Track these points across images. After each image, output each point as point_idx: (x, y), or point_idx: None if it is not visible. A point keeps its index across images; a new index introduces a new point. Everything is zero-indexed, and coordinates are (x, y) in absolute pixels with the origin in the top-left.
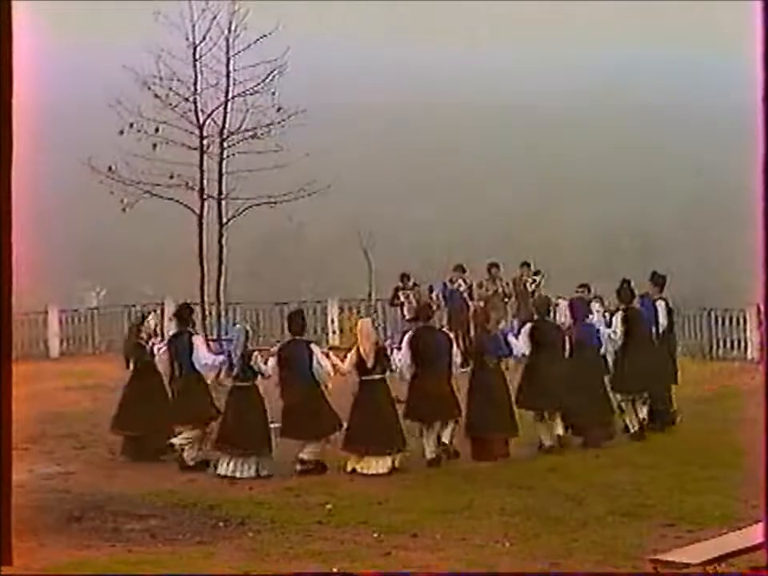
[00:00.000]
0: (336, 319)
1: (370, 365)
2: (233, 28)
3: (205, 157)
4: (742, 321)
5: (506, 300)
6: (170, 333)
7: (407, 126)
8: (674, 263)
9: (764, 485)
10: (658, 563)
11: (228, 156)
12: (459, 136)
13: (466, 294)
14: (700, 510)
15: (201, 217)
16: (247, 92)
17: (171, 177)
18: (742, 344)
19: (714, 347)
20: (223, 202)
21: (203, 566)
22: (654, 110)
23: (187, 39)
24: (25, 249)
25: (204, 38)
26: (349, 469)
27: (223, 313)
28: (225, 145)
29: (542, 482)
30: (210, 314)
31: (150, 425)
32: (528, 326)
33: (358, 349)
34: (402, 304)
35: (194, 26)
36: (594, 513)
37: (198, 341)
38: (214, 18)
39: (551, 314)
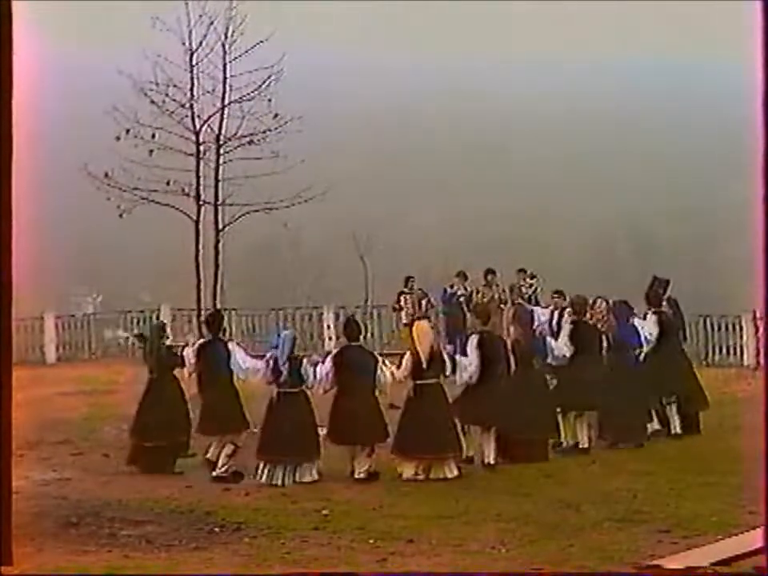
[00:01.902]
0: (332, 325)
1: (425, 366)
2: (229, 33)
3: (201, 163)
4: (738, 327)
5: (503, 306)
6: (200, 340)
7: (405, 130)
8: (671, 268)
9: (764, 490)
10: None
11: (224, 162)
12: (457, 140)
13: (463, 300)
14: (696, 516)
15: (197, 223)
16: (244, 98)
17: (168, 183)
18: (739, 350)
19: (711, 354)
20: (219, 209)
21: (200, 572)
22: (654, 113)
23: (184, 45)
24: (21, 255)
25: (201, 44)
26: (405, 477)
27: None
28: (221, 151)
29: (539, 489)
30: None
31: (169, 434)
32: (568, 326)
33: (412, 354)
34: (401, 308)
35: (190, 32)
36: (590, 519)
37: (235, 347)
38: (211, 23)
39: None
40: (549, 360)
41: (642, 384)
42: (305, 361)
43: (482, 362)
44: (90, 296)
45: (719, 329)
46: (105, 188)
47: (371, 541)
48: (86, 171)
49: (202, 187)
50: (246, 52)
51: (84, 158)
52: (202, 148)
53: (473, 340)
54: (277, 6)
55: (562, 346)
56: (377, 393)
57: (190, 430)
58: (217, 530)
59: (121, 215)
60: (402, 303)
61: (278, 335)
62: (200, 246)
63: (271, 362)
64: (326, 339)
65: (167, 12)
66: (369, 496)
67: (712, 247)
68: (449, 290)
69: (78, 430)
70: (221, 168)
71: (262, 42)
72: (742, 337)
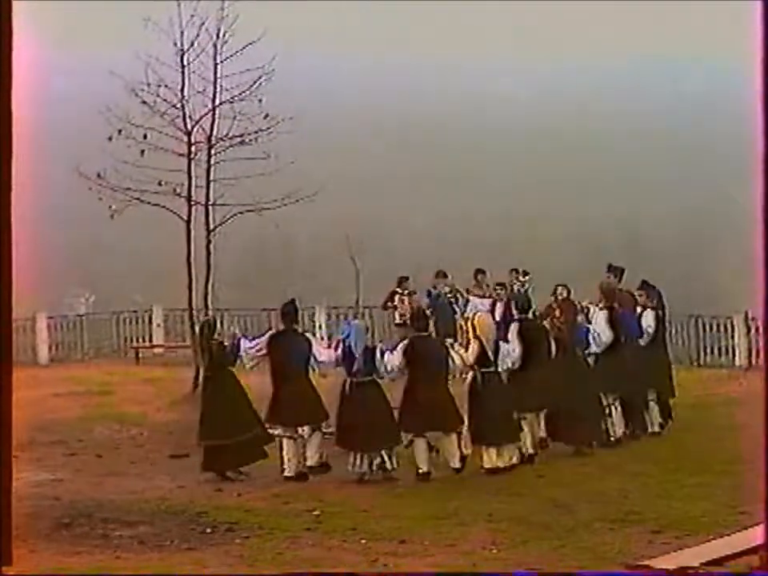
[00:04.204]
0: (324, 325)
1: (492, 357)
2: (221, 34)
3: (193, 164)
4: (729, 328)
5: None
6: (271, 331)
7: (396, 130)
8: (662, 268)
9: (764, 490)
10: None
11: (216, 163)
12: (449, 140)
13: (452, 299)
14: (687, 516)
15: (188, 223)
16: (235, 99)
17: (160, 183)
18: (730, 351)
19: (702, 354)
20: (211, 209)
21: (192, 572)
22: (648, 113)
23: (175, 45)
24: (14, 255)
25: (192, 44)
26: (487, 466)
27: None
28: (212, 152)
29: (531, 489)
30: (198, 320)
31: (239, 431)
32: (604, 313)
33: (479, 341)
34: (395, 307)
35: (182, 33)
36: (581, 519)
37: (314, 340)
38: (203, 24)
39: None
40: (593, 348)
41: (644, 376)
42: (377, 351)
43: (524, 349)
44: (83, 297)
45: (710, 329)
46: (97, 188)
47: (363, 541)
48: (78, 171)
49: (193, 188)
50: (237, 52)
51: (76, 159)
52: (193, 148)
53: (514, 327)
54: (267, 6)
55: (606, 333)
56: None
57: (260, 423)
58: (209, 530)
59: (113, 216)
60: (397, 303)
61: (348, 324)
62: (191, 247)
63: (340, 350)
64: (318, 339)
65: (158, 13)
66: (361, 497)
67: (703, 247)
68: (433, 291)
69: (71, 430)
70: (212, 168)
71: (252, 42)
72: (733, 337)
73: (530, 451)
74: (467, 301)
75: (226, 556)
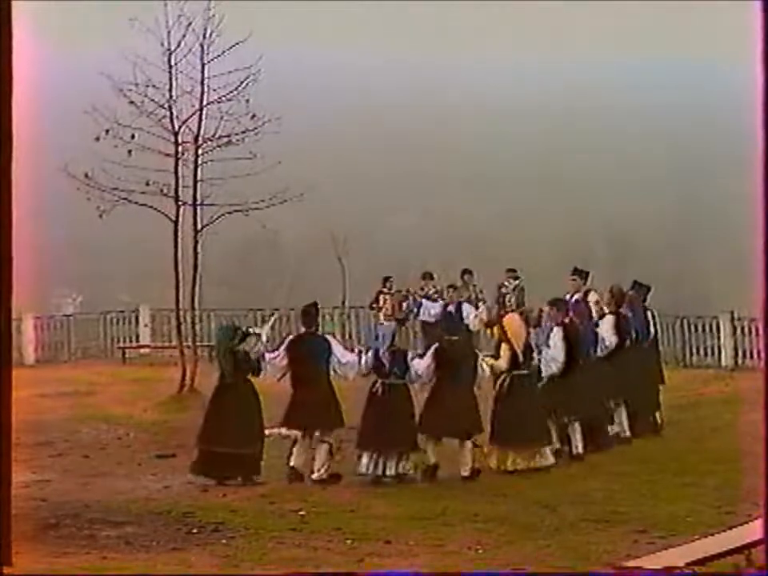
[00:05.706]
0: None
1: (521, 359)
2: (208, 34)
3: (180, 163)
4: (715, 328)
5: (478, 306)
6: (292, 335)
7: (383, 130)
8: (648, 268)
9: (764, 489)
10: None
11: (203, 163)
12: (436, 139)
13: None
14: (672, 516)
15: (176, 223)
16: (222, 99)
17: (147, 183)
18: (716, 351)
19: (688, 355)
20: (198, 209)
21: (178, 573)
22: (638, 113)
23: (162, 45)
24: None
25: (179, 45)
26: (511, 468)
27: (198, 319)
28: (199, 152)
29: (516, 490)
30: (185, 320)
31: (245, 439)
32: (612, 318)
33: (509, 344)
34: (380, 308)
35: (169, 33)
36: (567, 519)
37: (334, 341)
38: (189, 24)
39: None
40: (598, 353)
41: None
42: (409, 354)
43: (567, 354)
44: (70, 297)
45: (696, 330)
46: (85, 188)
47: (348, 542)
48: (66, 171)
49: (180, 188)
50: (224, 53)
51: (64, 158)
52: (180, 148)
53: (558, 332)
54: (254, 6)
55: (611, 338)
56: (475, 387)
57: (263, 438)
58: (195, 530)
59: (101, 215)
60: (381, 303)
61: (376, 328)
62: (179, 247)
63: (367, 356)
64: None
65: (146, 12)
66: (346, 497)
67: (690, 248)
68: (420, 292)
69: (58, 431)
70: (199, 168)
71: (239, 42)
72: (719, 338)
73: (580, 451)
74: (420, 304)
75: (212, 556)
